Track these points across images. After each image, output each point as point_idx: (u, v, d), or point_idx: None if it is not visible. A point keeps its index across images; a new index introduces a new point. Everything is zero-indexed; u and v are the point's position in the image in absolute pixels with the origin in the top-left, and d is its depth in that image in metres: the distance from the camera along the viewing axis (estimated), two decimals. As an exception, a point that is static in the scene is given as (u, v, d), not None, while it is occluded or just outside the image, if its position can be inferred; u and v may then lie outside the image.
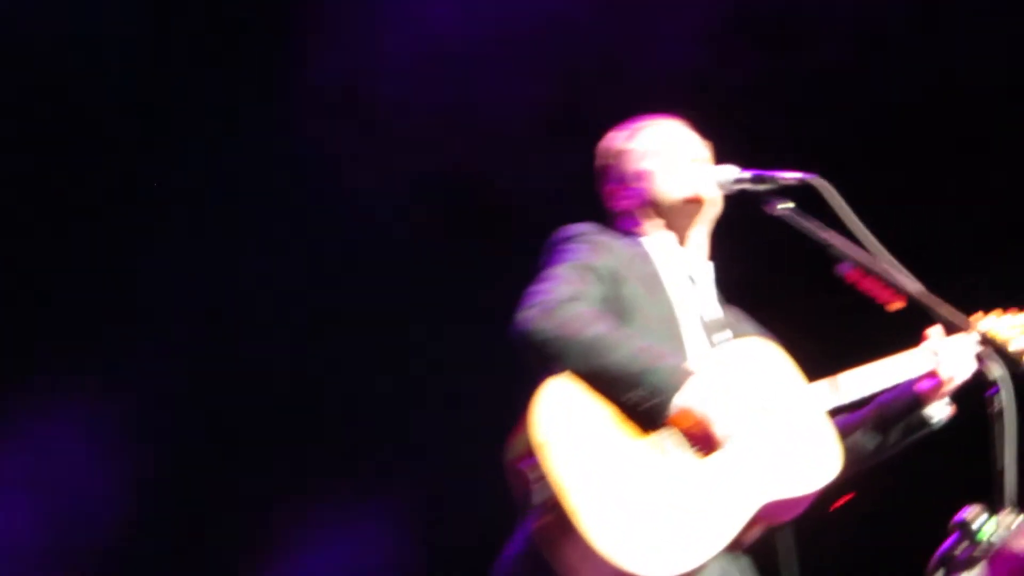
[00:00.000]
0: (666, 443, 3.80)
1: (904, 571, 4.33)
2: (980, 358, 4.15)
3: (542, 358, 3.81)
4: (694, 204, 4.28)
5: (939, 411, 4.34)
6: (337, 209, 6.65)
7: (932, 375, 4.29)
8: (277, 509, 6.70)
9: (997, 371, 4.06)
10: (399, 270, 6.73)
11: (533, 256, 4.13)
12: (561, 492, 3.64)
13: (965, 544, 3.78)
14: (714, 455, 3.85)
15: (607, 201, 4.43)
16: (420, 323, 6.79)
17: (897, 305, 4.18)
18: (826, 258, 4.15)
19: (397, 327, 6.77)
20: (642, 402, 3.76)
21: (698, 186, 4.26)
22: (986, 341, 4.14)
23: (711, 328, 4.18)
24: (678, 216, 4.30)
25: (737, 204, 4.32)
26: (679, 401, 3.79)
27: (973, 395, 4.23)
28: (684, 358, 3.99)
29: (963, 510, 3.82)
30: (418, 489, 6.80)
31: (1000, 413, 3.93)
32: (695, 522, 3.76)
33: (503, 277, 4.15)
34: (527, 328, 3.81)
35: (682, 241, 4.32)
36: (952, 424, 4.35)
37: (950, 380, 4.28)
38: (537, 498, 3.65)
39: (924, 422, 4.34)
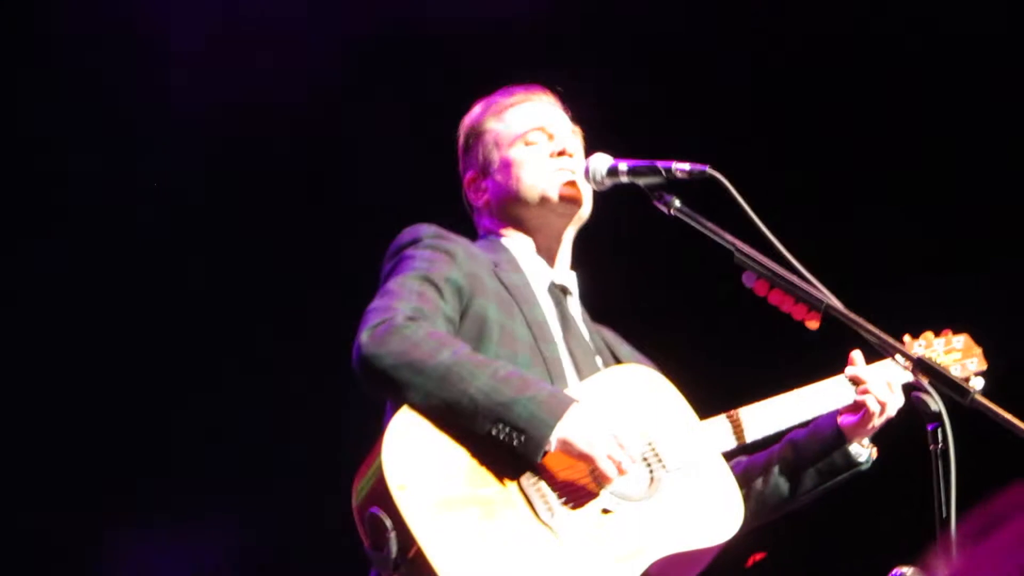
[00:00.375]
0: (536, 490, 3.50)
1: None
2: (915, 388, 3.69)
3: (386, 389, 3.54)
4: (558, 205, 3.98)
5: (864, 450, 4.04)
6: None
7: (857, 407, 3.99)
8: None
9: (935, 404, 3.61)
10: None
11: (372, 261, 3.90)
12: (419, 545, 3.35)
13: None
14: (593, 503, 3.54)
15: (466, 189, 4.16)
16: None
17: (813, 323, 3.77)
18: (727, 266, 3.76)
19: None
20: (511, 438, 3.43)
21: (562, 188, 3.98)
22: (922, 367, 3.64)
23: (582, 351, 3.90)
24: (541, 216, 4.02)
25: (609, 199, 3.99)
26: (560, 434, 3.46)
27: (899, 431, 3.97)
28: (556, 386, 3.69)
29: (894, 572, 3.55)
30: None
31: (943, 452, 3.53)
32: None
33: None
34: (366, 354, 3.53)
35: (546, 245, 4.05)
36: (877, 465, 4.08)
37: (878, 414, 3.99)
38: (391, 549, 3.36)
39: (849, 463, 4.04)
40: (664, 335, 4.03)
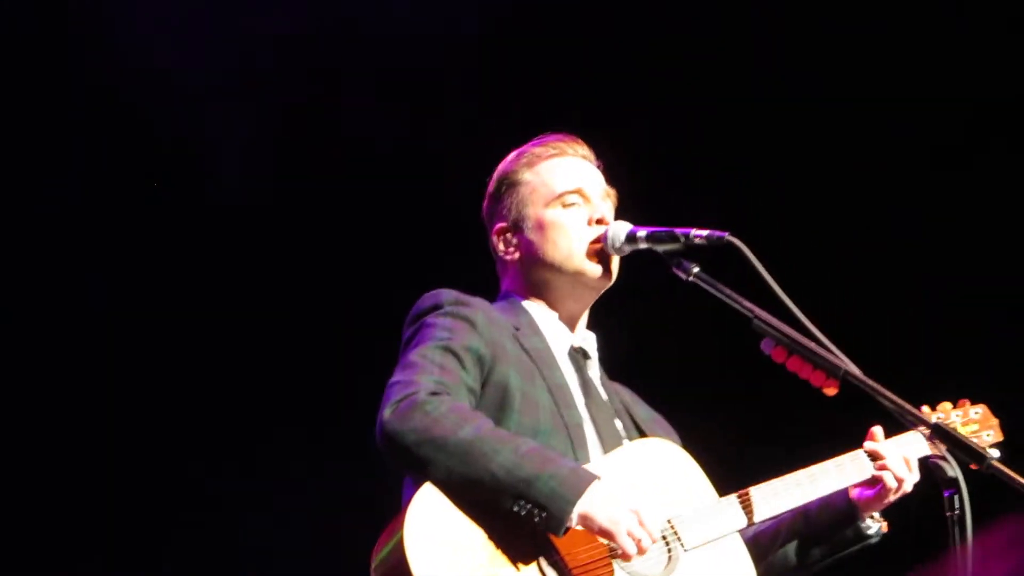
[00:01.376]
0: (555, 571, 3.45)
1: None
2: (932, 454, 3.69)
3: (409, 465, 3.50)
4: (591, 280, 3.92)
5: (875, 524, 4.00)
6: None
7: (873, 482, 3.95)
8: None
9: (952, 470, 3.59)
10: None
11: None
12: None
13: None
14: None
15: (493, 239, 4.06)
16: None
17: (830, 390, 3.74)
18: (745, 333, 3.74)
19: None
20: (532, 515, 3.38)
21: (596, 265, 3.91)
22: (939, 433, 3.63)
23: (603, 415, 3.84)
24: (571, 286, 3.95)
25: (629, 265, 3.94)
26: (581, 509, 3.39)
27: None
28: (580, 459, 3.65)
29: None
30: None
31: (960, 519, 3.50)
32: None
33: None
34: (389, 431, 3.47)
35: (569, 311, 3.99)
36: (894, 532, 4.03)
37: (894, 490, 3.94)
38: None
39: (859, 537, 3.97)
40: (681, 401, 3.98)
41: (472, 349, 3.68)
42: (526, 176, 3.98)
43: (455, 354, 3.65)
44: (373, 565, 3.45)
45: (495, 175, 4.05)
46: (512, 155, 4.06)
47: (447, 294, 3.80)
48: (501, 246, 4.00)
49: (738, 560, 3.72)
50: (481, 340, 3.70)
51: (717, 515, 3.72)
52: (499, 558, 3.42)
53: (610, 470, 3.59)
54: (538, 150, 4.01)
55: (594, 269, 3.89)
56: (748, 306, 3.69)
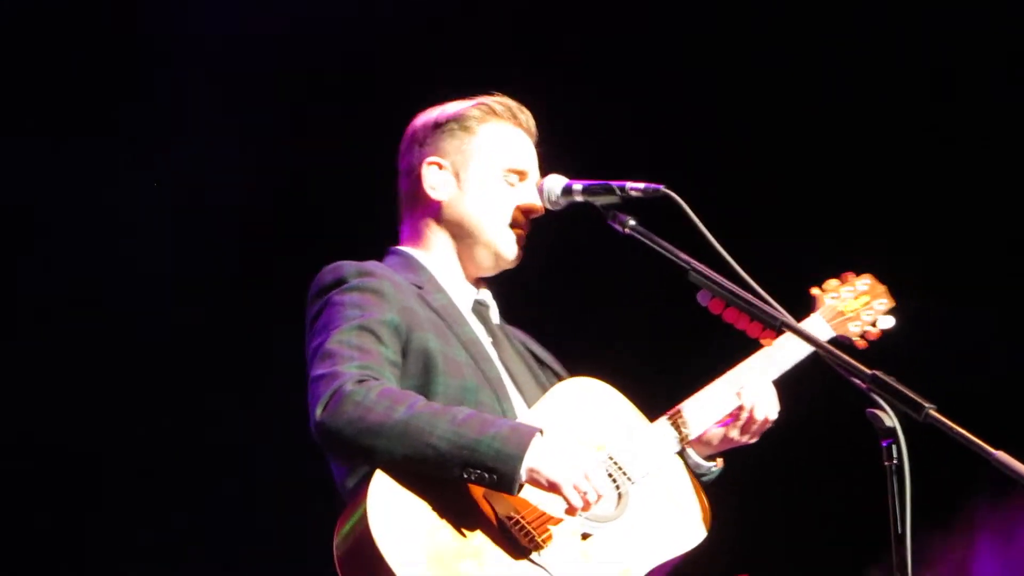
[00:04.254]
0: (518, 529, 3.47)
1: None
2: (870, 404, 3.58)
3: (353, 456, 3.56)
4: (505, 262, 3.94)
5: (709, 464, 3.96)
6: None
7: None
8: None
9: (890, 420, 3.52)
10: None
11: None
12: None
13: None
14: (572, 532, 3.54)
15: (417, 168, 3.96)
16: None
17: (768, 341, 3.84)
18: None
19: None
20: (483, 479, 3.42)
21: (517, 252, 3.93)
22: (877, 384, 3.55)
23: (515, 363, 3.86)
24: (482, 259, 3.94)
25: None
26: (528, 463, 3.43)
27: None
28: (507, 411, 3.68)
29: None
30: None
31: (899, 469, 3.45)
32: None
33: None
34: (326, 429, 3.47)
35: (473, 274, 3.99)
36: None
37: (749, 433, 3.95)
38: None
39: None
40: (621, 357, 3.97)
41: (387, 322, 3.64)
42: (482, 128, 3.94)
43: (371, 331, 3.61)
44: (336, 543, 3.45)
45: (442, 112, 3.97)
46: (466, 102, 3.98)
47: (348, 267, 3.74)
48: (428, 180, 3.92)
49: (683, 482, 3.77)
50: (392, 309, 3.67)
51: (654, 441, 3.74)
52: (465, 528, 3.43)
53: (544, 419, 3.60)
54: (498, 108, 3.97)
55: (511, 253, 3.91)
56: (685, 258, 3.67)
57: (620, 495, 3.64)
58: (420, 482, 3.42)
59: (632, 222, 3.72)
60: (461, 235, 3.90)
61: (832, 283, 4.12)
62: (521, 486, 3.42)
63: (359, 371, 3.51)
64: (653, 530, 3.65)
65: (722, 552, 3.85)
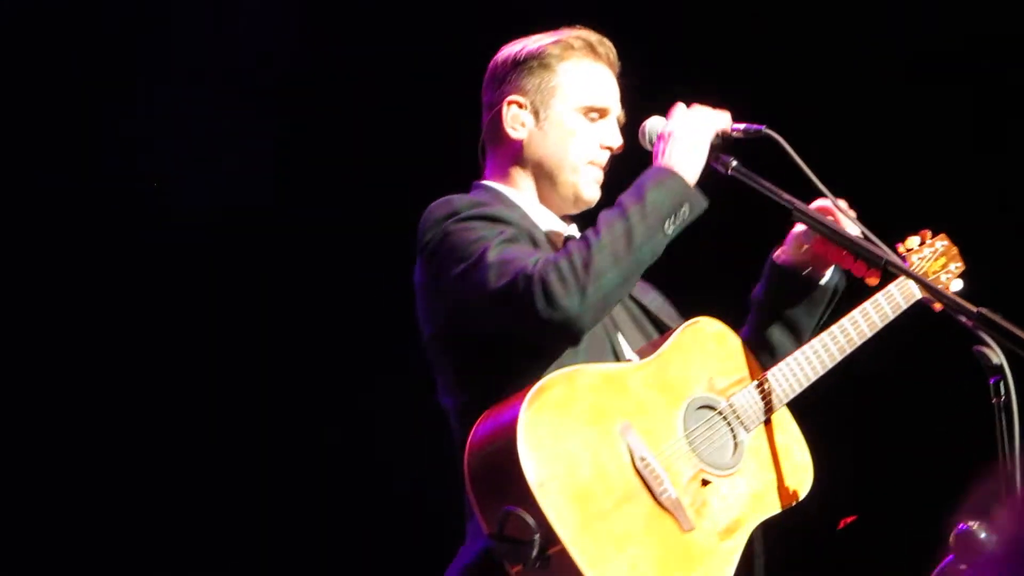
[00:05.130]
0: (650, 472, 3.47)
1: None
2: (977, 341, 3.59)
3: (606, 307, 3.53)
4: (582, 203, 3.88)
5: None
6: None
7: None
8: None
9: (997, 357, 3.53)
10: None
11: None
12: (562, 544, 3.32)
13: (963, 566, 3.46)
14: (695, 478, 3.53)
15: (501, 106, 3.88)
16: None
17: (872, 280, 3.81)
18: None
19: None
20: (684, 218, 3.58)
21: (594, 191, 3.87)
22: (984, 321, 3.54)
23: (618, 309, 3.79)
24: (561, 197, 3.88)
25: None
26: (683, 175, 3.62)
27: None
28: (621, 351, 3.69)
29: (960, 526, 3.44)
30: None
31: (1006, 406, 3.47)
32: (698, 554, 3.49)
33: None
34: (570, 311, 3.44)
35: (558, 208, 3.91)
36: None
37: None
38: (533, 548, 3.32)
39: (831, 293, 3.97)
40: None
41: (523, 234, 3.64)
42: (561, 66, 3.85)
43: (515, 240, 3.59)
44: (470, 449, 3.43)
45: (523, 48, 3.89)
46: (546, 37, 3.91)
47: (459, 198, 3.70)
48: (509, 119, 3.85)
49: (789, 431, 3.74)
50: (516, 228, 3.65)
51: (768, 389, 3.71)
52: (606, 467, 3.42)
53: (663, 362, 3.60)
54: (576, 44, 3.88)
55: (590, 193, 3.86)
56: (788, 198, 3.66)
57: (736, 444, 3.63)
58: (567, 410, 3.42)
59: (735, 162, 3.70)
60: (542, 174, 3.84)
61: (912, 240, 4.04)
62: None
63: (534, 260, 3.48)
64: (764, 482, 3.64)
65: (832, 497, 3.86)
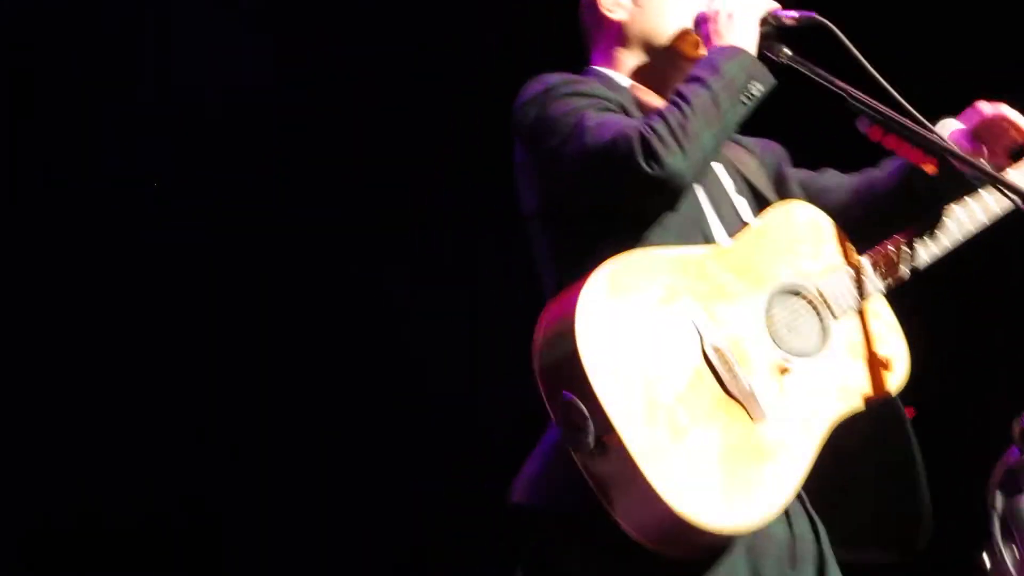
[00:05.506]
0: (720, 360, 3.40)
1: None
2: None
3: (704, 165, 3.51)
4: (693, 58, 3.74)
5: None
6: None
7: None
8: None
9: None
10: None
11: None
12: (617, 432, 3.27)
13: None
14: (771, 364, 3.44)
15: (587, 20, 3.86)
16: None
17: (930, 167, 3.70)
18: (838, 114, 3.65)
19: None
20: (758, 90, 3.56)
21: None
22: None
23: (717, 190, 3.71)
24: (667, 59, 3.78)
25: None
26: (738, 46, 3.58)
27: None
28: (708, 238, 3.60)
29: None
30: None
31: None
32: (771, 450, 3.38)
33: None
34: (676, 168, 3.42)
35: (665, 82, 3.76)
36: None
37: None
38: (588, 435, 3.29)
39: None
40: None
41: (618, 107, 3.60)
42: None
43: (610, 110, 3.57)
44: (538, 358, 3.40)
45: None
46: None
47: (551, 76, 3.64)
48: (590, 19, 3.84)
49: (886, 322, 3.63)
50: (611, 102, 3.61)
51: (862, 275, 3.63)
52: (671, 354, 3.36)
53: (752, 244, 3.56)
54: None
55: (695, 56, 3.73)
56: (841, 85, 3.61)
57: (823, 330, 3.54)
58: (632, 293, 3.37)
59: (788, 51, 3.66)
60: (648, 53, 3.78)
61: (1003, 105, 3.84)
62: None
63: (631, 122, 3.48)
64: (851, 371, 3.53)
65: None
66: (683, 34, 3.75)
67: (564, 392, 3.31)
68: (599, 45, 3.83)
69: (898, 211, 3.76)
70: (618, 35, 3.80)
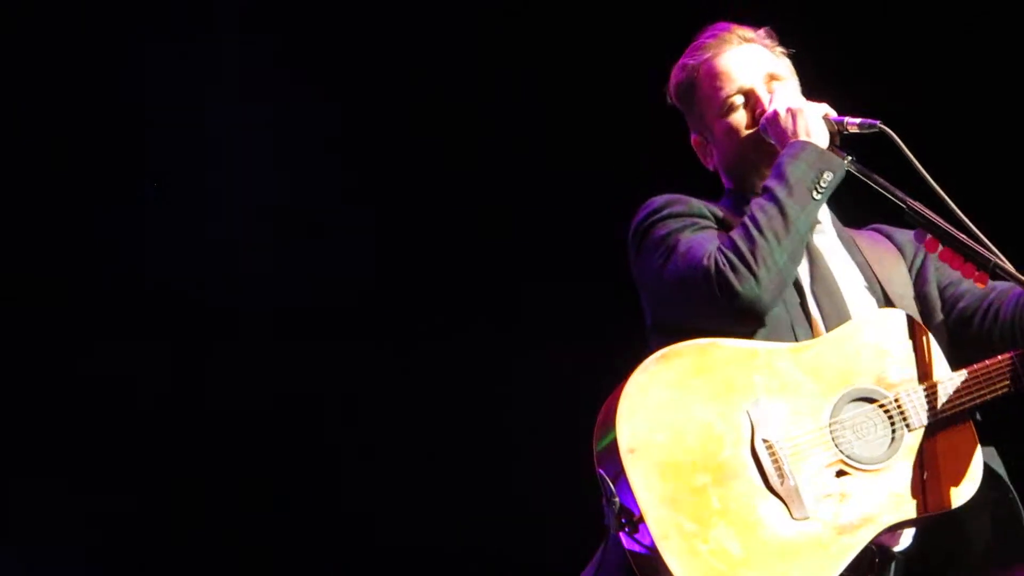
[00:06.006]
0: (768, 454, 3.44)
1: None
2: None
3: (783, 285, 3.62)
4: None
5: None
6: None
7: None
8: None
9: None
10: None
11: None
12: (643, 512, 3.37)
13: None
14: (829, 467, 3.47)
15: (696, 149, 4.08)
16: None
17: (981, 284, 3.70)
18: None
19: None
20: (828, 180, 3.67)
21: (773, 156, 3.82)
22: None
23: (828, 288, 3.78)
24: (754, 179, 3.89)
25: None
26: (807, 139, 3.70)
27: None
28: (800, 336, 3.67)
29: None
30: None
31: None
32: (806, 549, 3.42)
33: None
34: (749, 292, 3.56)
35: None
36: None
37: None
38: (615, 511, 3.41)
39: None
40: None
41: (712, 223, 3.76)
42: (696, 81, 3.93)
43: (703, 229, 3.73)
44: (594, 444, 3.49)
45: (673, 76, 4.01)
46: (678, 66, 4.00)
47: (657, 199, 3.81)
48: (700, 154, 4.00)
49: (964, 440, 3.60)
50: (708, 218, 3.77)
51: (947, 391, 3.60)
52: (713, 442, 3.43)
53: (837, 345, 3.58)
54: (699, 51, 3.94)
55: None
56: (901, 196, 3.63)
57: (893, 440, 3.54)
58: (688, 380, 3.46)
59: (850, 158, 3.69)
60: (743, 179, 3.90)
61: None
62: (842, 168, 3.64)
63: (713, 250, 3.61)
64: (911, 483, 3.52)
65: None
66: (758, 142, 3.83)
67: (599, 470, 3.41)
68: (723, 181, 3.98)
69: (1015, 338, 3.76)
70: (723, 170, 3.96)
